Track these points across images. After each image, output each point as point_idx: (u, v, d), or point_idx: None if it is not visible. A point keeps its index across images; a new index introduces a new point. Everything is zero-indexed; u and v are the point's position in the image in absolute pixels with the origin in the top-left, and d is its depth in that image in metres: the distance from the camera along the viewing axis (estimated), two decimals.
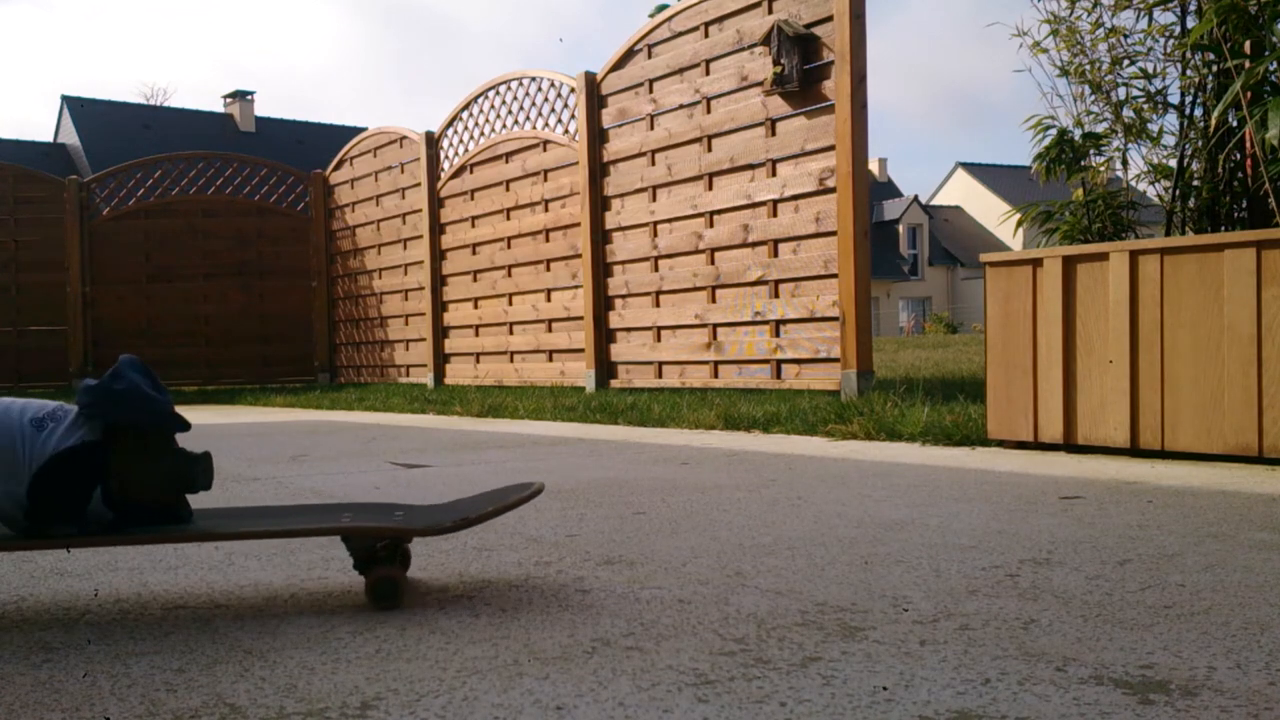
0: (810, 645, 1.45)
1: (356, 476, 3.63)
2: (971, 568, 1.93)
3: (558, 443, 4.76)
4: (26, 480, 1.64)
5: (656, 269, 7.22)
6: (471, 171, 9.18)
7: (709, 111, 6.73)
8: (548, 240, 8.29)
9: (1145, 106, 4.87)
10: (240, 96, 38.38)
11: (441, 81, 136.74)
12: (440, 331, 9.73)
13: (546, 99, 8.24)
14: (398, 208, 10.27)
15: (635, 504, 2.80)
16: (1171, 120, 7.69)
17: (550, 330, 8.32)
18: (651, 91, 7.21)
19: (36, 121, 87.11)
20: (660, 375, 7.19)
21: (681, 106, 6.97)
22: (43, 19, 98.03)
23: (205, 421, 7.11)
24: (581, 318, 7.90)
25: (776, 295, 6.26)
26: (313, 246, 11.60)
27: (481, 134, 9.05)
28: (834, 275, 5.86)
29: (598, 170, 7.69)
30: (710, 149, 6.73)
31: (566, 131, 8.04)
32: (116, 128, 35.03)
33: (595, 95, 7.69)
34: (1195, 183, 4.63)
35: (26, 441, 1.65)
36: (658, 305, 7.22)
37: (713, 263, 6.74)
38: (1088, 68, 4.93)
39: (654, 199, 7.20)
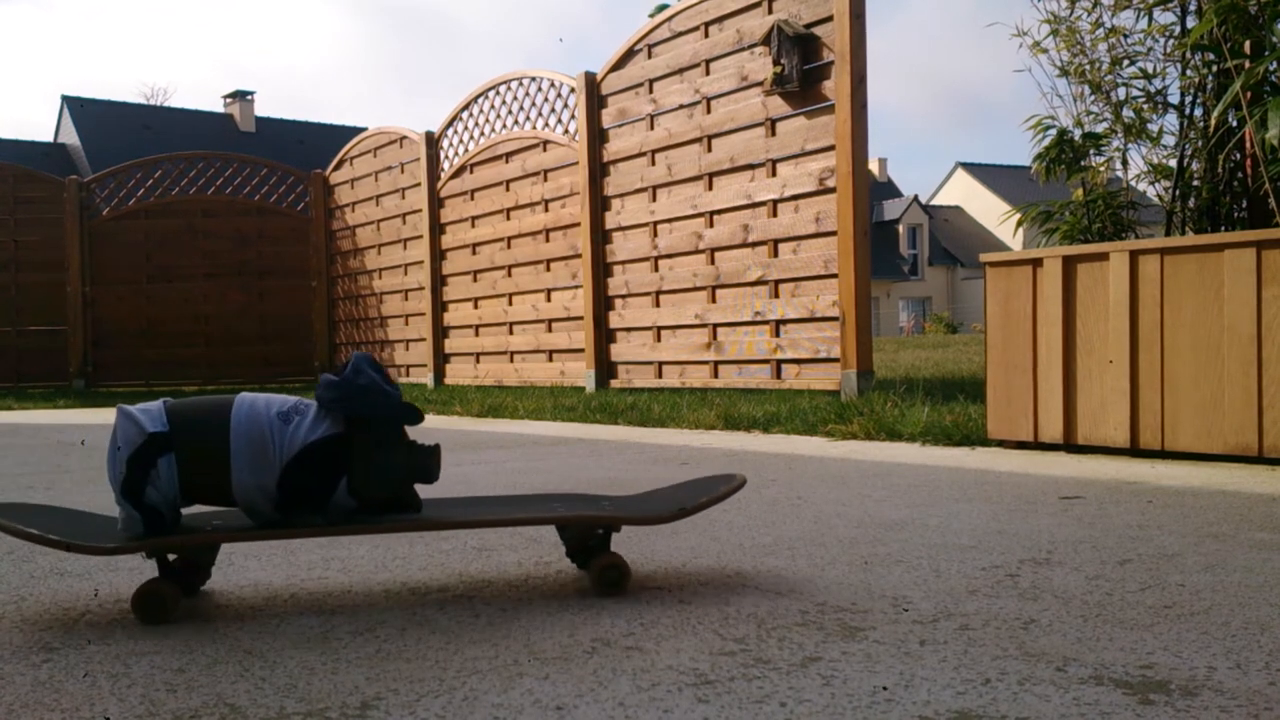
0: (810, 645, 1.45)
1: None
2: (971, 568, 1.93)
3: (558, 443, 4.76)
4: (277, 472, 1.69)
5: (656, 269, 7.22)
6: (471, 171, 9.18)
7: (709, 111, 6.73)
8: (548, 240, 8.29)
9: (1145, 106, 4.87)
10: (240, 96, 38.39)
11: (441, 81, 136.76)
12: (440, 331, 9.73)
13: (546, 99, 8.24)
14: (398, 208, 10.27)
15: None
16: (1171, 120, 7.69)
17: (550, 330, 8.32)
18: (651, 91, 7.21)
19: (36, 121, 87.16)
20: (660, 375, 7.19)
21: (681, 106, 6.97)
22: (43, 19, 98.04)
23: None
24: (581, 318, 7.90)
25: (776, 295, 6.26)
26: (313, 246, 11.60)
27: (481, 134, 9.06)
28: (834, 275, 5.86)
29: (598, 170, 7.69)
30: (710, 149, 6.73)
31: (566, 131, 8.04)
32: (116, 128, 35.04)
33: (595, 95, 7.69)
34: (1195, 183, 4.63)
35: (276, 435, 1.70)
36: (658, 305, 7.22)
37: (713, 263, 6.74)
38: (1088, 68, 4.93)
39: (654, 199, 7.20)
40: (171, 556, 1.76)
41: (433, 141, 9.69)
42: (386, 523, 1.75)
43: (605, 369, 7.70)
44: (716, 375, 6.73)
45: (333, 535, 1.74)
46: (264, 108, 70.96)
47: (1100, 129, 5.01)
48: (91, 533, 1.72)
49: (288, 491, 1.70)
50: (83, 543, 1.62)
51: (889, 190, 47.40)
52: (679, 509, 1.81)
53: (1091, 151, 5.03)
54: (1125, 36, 4.87)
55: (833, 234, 5.87)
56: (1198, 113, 4.62)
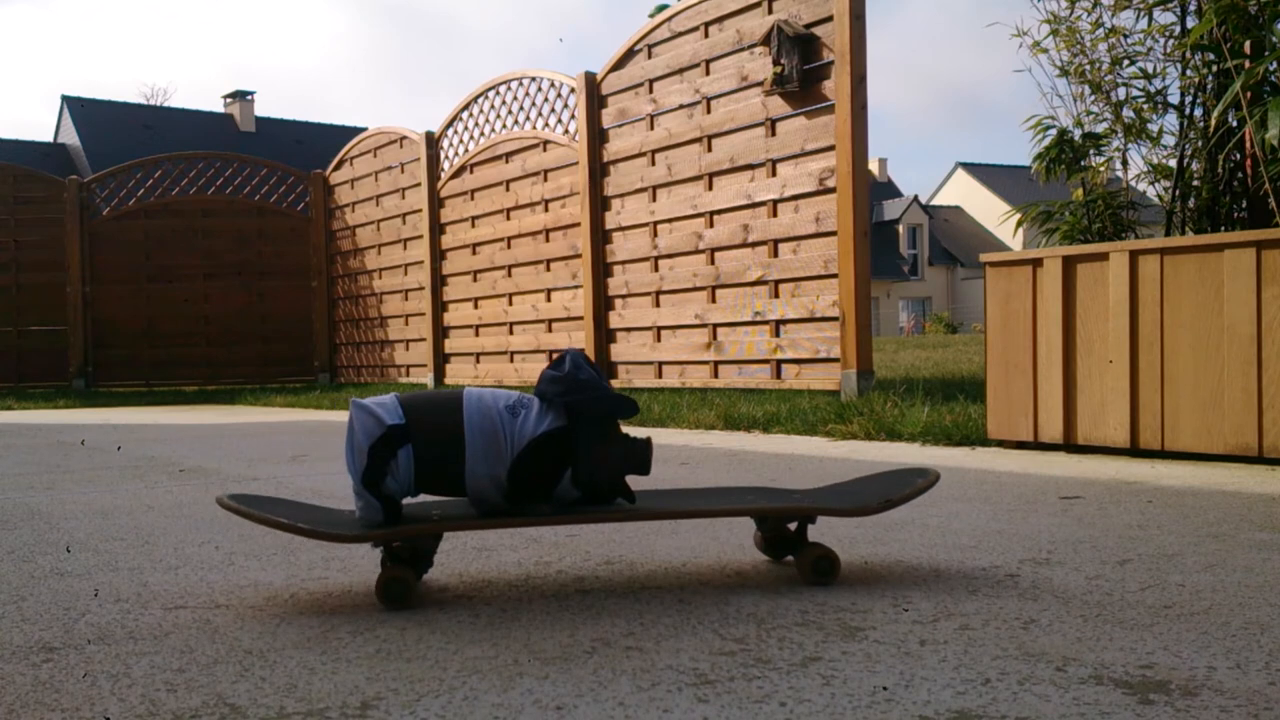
0: (810, 645, 1.45)
1: None
2: (971, 568, 1.93)
3: None
4: (508, 462, 1.75)
5: (656, 269, 7.22)
6: (471, 171, 9.18)
7: (709, 111, 6.73)
8: (548, 240, 8.29)
9: (1145, 106, 4.87)
10: (240, 96, 38.39)
11: (441, 81, 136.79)
12: (440, 331, 9.73)
13: (546, 99, 8.24)
14: (398, 208, 10.27)
15: None
16: (1171, 120, 7.69)
17: (550, 330, 8.32)
18: (651, 91, 7.21)
19: (36, 121, 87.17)
20: (660, 375, 7.19)
21: (681, 106, 6.97)
22: (43, 19, 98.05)
23: (205, 421, 7.12)
24: (581, 318, 7.90)
25: (776, 295, 6.26)
26: (313, 246, 11.60)
27: (481, 134, 9.06)
28: (834, 275, 5.86)
29: (598, 170, 7.69)
30: (710, 149, 6.73)
31: (566, 131, 8.04)
32: (116, 128, 35.04)
33: (595, 95, 7.69)
34: (1195, 183, 4.63)
35: (506, 427, 1.76)
36: (658, 305, 7.22)
37: (713, 263, 6.74)
38: (1088, 68, 4.93)
39: (654, 199, 7.20)
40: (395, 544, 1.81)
41: (433, 141, 9.69)
42: (605, 512, 1.81)
43: (606, 369, 7.70)
44: (716, 375, 6.73)
45: (556, 524, 1.80)
46: (264, 108, 70.96)
47: (1100, 129, 5.01)
48: (326, 521, 1.79)
49: (517, 482, 1.76)
50: (327, 530, 1.70)
51: (889, 190, 47.40)
52: (884, 501, 1.84)
53: (1091, 151, 5.03)
54: (1125, 36, 4.87)
55: (833, 234, 5.87)
56: (1198, 113, 4.62)
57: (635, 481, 1.96)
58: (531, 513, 1.80)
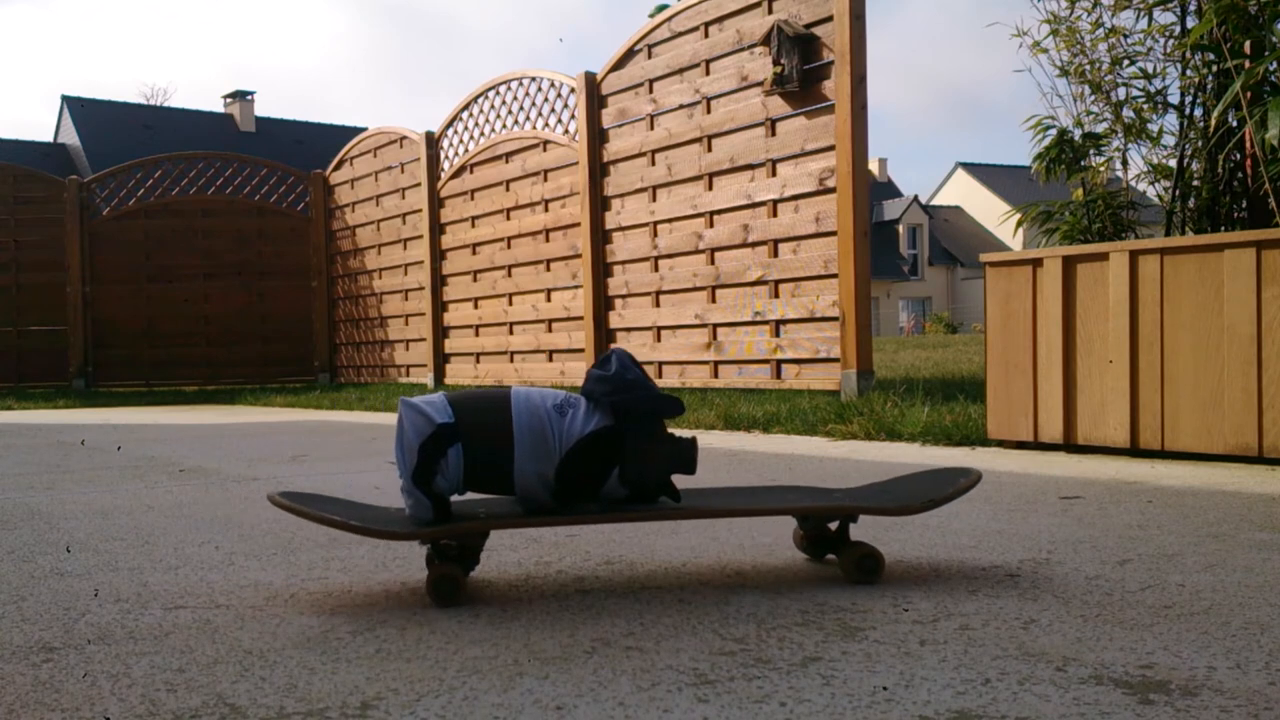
0: (810, 645, 1.45)
1: (357, 476, 3.63)
2: (971, 568, 1.93)
3: None
4: (556, 461, 1.77)
5: (656, 269, 7.22)
6: (471, 171, 9.18)
7: (709, 111, 6.73)
8: (548, 240, 8.29)
9: (1145, 106, 4.87)
10: (240, 96, 38.38)
11: (442, 81, 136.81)
12: (440, 331, 9.73)
13: (546, 99, 8.24)
14: (398, 208, 10.27)
15: None
16: (1171, 120, 7.69)
17: (550, 330, 8.32)
18: (651, 91, 7.21)
19: (36, 121, 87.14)
20: (660, 375, 7.19)
21: (681, 106, 6.97)
22: (43, 19, 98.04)
23: (205, 421, 7.12)
24: (581, 318, 7.90)
25: (776, 295, 6.26)
26: (313, 246, 11.60)
27: (481, 134, 9.06)
28: (834, 275, 5.86)
29: (598, 170, 7.69)
30: (710, 149, 6.73)
31: (566, 131, 8.04)
32: (116, 128, 35.04)
33: (595, 95, 7.69)
34: (1195, 183, 4.63)
35: (553, 426, 1.78)
36: (658, 305, 7.22)
37: (713, 263, 6.74)
38: (1088, 68, 4.93)
39: (654, 199, 7.20)
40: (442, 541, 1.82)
41: (433, 141, 9.69)
42: (651, 511, 1.82)
43: None
44: (716, 375, 6.73)
45: (603, 522, 1.82)
46: (264, 108, 70.95)
47: (1100, 129, 5.01)
48: (376, 518, 1.80)
49: (565, 480, 1.78)
50: (379, 528, 1.71)
51: (889, 190, 47.40)
52: (927, 500, 1.85)
53: (1091, 151, 5.03)
54: (1125, 36, 4.87)
55: (833, 234, 5.87)
56: (1198, 113, 4.62)
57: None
58: (579, 511, 1.81)
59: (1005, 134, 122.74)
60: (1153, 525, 2.33)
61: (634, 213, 7.38)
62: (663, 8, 7.29)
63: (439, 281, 9.69)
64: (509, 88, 8.65)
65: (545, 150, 8.26)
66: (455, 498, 1.82)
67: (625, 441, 1.79)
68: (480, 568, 2.02)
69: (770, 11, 6.24)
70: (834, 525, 1.94)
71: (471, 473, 1.76)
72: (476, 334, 9.24)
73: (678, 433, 1.87)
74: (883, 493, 1.98)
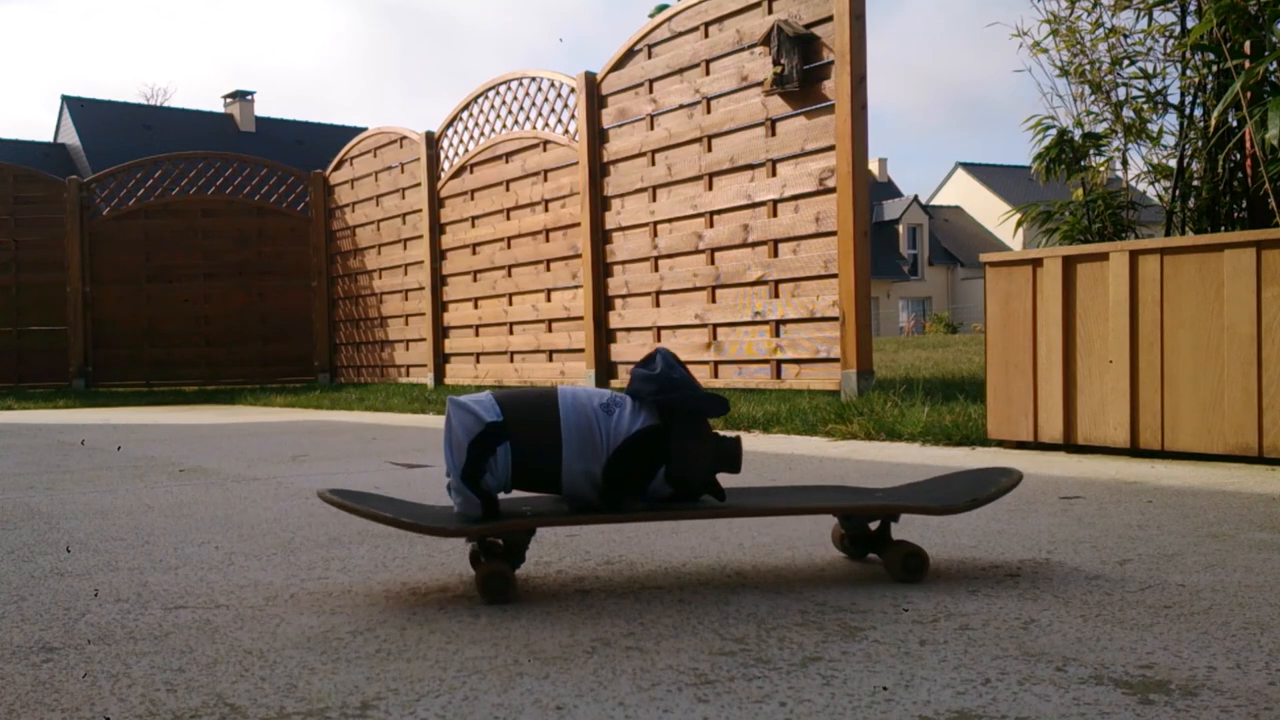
0: (810, 645, 1.45)
1: (357, 476, 3.63)
2: (971, 568, 1.93)
3: None
4: (604, 459, 1.78)
5: (656, 269, 7.22)
6: (471, 171, 9.18)
7: (709, 111, 6.73)
8: (548, 240, 8.29)
9: (1145, 106, 4.87)
10: (240, 96, 38.39)
11: (442, 81, 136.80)
12: (440, 331, 9.73)
13: (546, 99, 8.24)
14: (398, 208, 10.27)
15: None
16: (1171, 120, 7.69)
17: (550, 330, 8.32)
18: (651, 91, 7.21)
19: (36, 121, 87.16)
20: None
21: (681, 106, 6.96)
22: (43, 19, 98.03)
23: (205, 421, 7.12)
24: (581, 318, 7.90)
25: (776, 295, 6.26)
26: (313, 246, 11.60)
27: (481, 134, 9.06)
28: (834, 275, 5.86)
29: (598, 170, 7.69)
30: (710, 149, 6.73)
31: (566, 131, 8.04)
32: (116, 128, 35.04)
33: (595, 95, 7.69)
34: (1195, 183, 4.63)
35: (601, 424, 1.79)
36: (658, 305, 7.22)
37: (713, 263, 6.74)
38: (1088, 68, 4.93)
39: (654, 199, 7.20)
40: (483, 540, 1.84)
41: (433, 141, 9.69)
42: (696, 509, 1.83)
43: (605, 369, 7.70)
44: (716, 375, 6.73)
45: (648, 520, 1.84)
46: (264, 108, 70.92)
47: (1100, 129, 5.01)
48: (426, 515, 1.82)
49: (612, 478, 1.80)
50: (430, 525, 1.73)
51: (889, 190, 47.39)
52: (971, 500, 1.86)
53: (1091, 151, 5.03)
54: (1125, 36, 4.87)
55: (833, 234, 5.87)
56: (1198, 113, 4.62)
57: None
58: (625, 509, 1.83)
59: (1005, 134, 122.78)
60: (1153, 525, 2.33)
61: (634, 213, 7.38)
62: (663, 8, 7.29)
63: (439, 281, 9.69)
64: (509, 88, 8.65)
65: (545, 150, 8.26)
66: (500, 495, 1.83)
67: (671, 440, 1.81)
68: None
69: (770, 11, 6.24)
70: (874, 525, 1.94)
71: (519, 471, 1.78)
72: (476, 334, 9.24)
73: (720, 433, 1.89)
74: (923, 492, 1.99)
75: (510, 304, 8.77)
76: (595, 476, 1.79)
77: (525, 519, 1.79)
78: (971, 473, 2.06)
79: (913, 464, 3.63)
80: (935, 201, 47.56)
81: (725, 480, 1.98)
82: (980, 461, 3.63)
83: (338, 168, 11.34)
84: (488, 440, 1.74)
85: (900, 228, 43.64)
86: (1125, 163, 5.01)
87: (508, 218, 8.74)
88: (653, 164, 7.19)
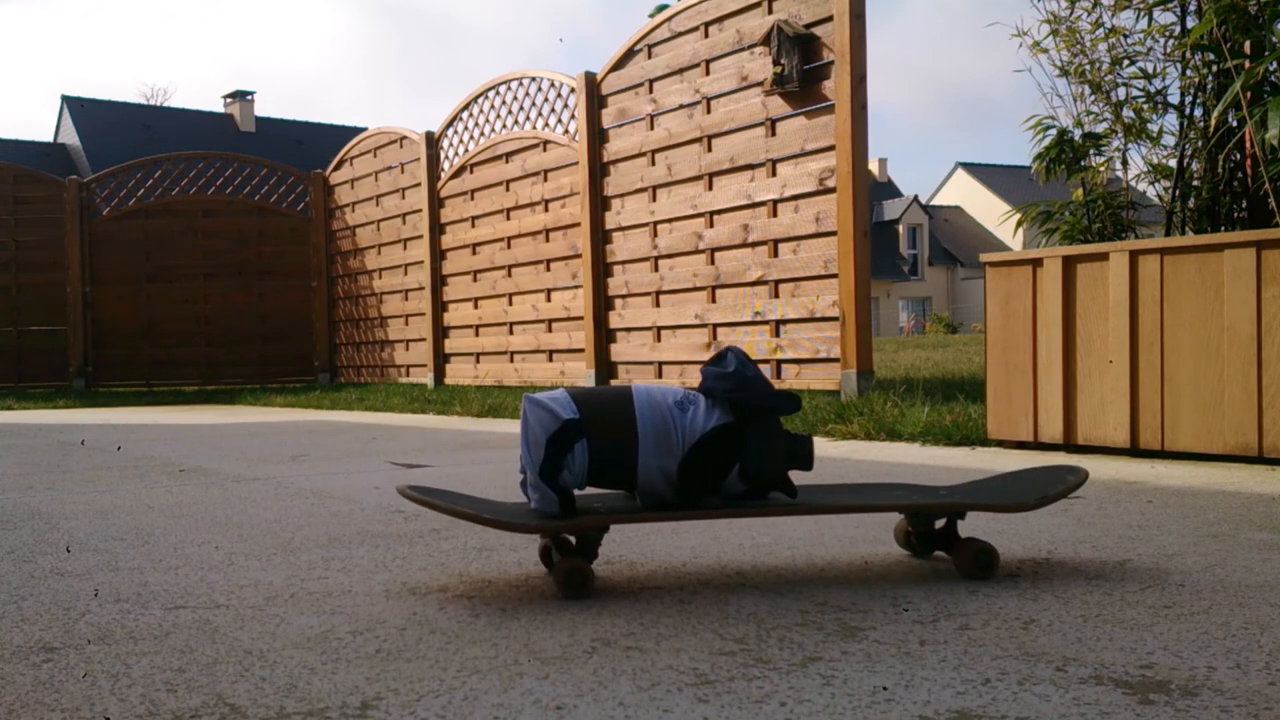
0: (810, 645, 1.45)
1: (357, 476, 3.63)
2: None
3: None
4: (679, 456, 1.80)
5: (656, 269, 7.22)
6: (471, 171, 9.18)
7: (709, 111, 6.73)
8: (548, 240, 8.29)
9: (1145, 106, 4.87)
10: (240, 96, 38.37)
11: (442, 81, 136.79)
12: (440, 331, 9.73)
13: (546, 99, 8.24)
14: (398, 208, 10.27)
15: None
16: (1171, 120, 7.69)
17: (550, 330, 8.32)
18: (651, 91, 7.21)
19: (36, 121, 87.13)
20: (660, 375, 7.19)
21: (681, 106, 6.96)
22: (43, 19, 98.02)
23: (205, 421, 7.12)
24: (581, 318, 7.90)
25: (776, 295, 6.26)
26: (313, 246, 11.60)
27: (481, 134, 9.06)
28: (834, 275, 5.86)
29: (598, 170, 7.69)
30: (710, 149, 6.73)
31: (566, 131, 8.04)
32: (116, 128, 35.03)
33: (595, 95, 7.69)
34: (1195, 183, 4.63)
35: (676, 422, 1.81)
36: (658, 305, 7.22)
37: (713, 263, 6.74)
38: (1088, 68, 4.93)
39: (654, 199, 7.20)
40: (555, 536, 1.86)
41: (433, 141, 9.69)
42: (769, 506, 1.84)
43: (605, 369, 7.70)
44: None
45: (722, 517, 1.87)
46: (264, 108, 70.91)
47: (1100, 129, 5.01)
48: (506, 512, 1.83)
49: (688, 475, 1.81)
50: (510, 520, 1.75)
51: (889, 190, 47.39)
52: (1040, 498, 1.86)
53: (1091, 151, 5.03)
54: (1125, 36, 4.87)
55: (833, 234, 5.87)
56: (1198, 113, 4.62)
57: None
58: (700, 505, 1.84)
59: (1005, 134, 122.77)
60: (1153, 525, 2.33)
61: (634, 213, 7.38)
62: (663, 8, 7.29)
63: (439, 281, 9.69)
64: (509, 88, 8.65)
65: (545, 150, 8.26)
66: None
67: (747, 438, 1.82)
68: (480, 567, 2.02)
69: (770, 11, 6.24)
70: (940, 523, 1.95)
71: (595, 468, 1.79)
72: (476, 334, 9.24)
73: (790, 431, 1.91)
74: (987, 490, 2.00)
75: (510, 304, 8.77)
76: (670, 473, 1.81)
77: (601, 516, 1.80)
78: (1035, 470, 2.07)
79: (913, 464, 3.63)
80: (935, 201, 47.55)
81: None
82: (980, 461, 3.63)
83: (338, 168, 11.34)
84: (566, 437, 1.76)
85: (900, 228, 43.63)
86: (1125, 163, 5.01)
87: (508, 218, 8.74)
88: (653, 164, 7.19)
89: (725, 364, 1.85)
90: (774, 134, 6.26)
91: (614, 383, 7.63)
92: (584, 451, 1.77)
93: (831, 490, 2.07)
